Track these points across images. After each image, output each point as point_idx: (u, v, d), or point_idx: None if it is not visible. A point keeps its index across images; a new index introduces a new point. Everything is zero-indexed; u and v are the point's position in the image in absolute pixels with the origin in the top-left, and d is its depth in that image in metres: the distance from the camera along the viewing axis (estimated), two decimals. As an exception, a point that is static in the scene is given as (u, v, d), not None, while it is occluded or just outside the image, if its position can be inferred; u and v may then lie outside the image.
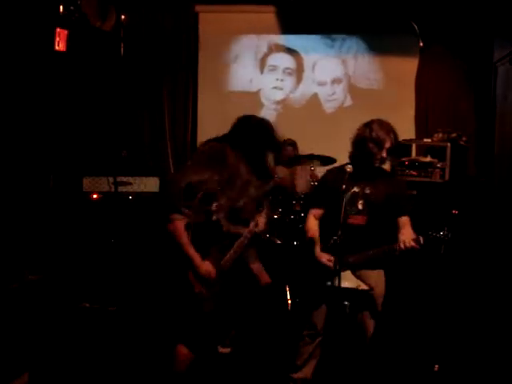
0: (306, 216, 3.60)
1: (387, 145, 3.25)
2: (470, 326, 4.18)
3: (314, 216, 3.48)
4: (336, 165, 4.12)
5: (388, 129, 3.27)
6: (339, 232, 3.05)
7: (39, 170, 4.91)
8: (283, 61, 6.38)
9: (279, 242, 4.92)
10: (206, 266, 3.27)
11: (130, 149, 5.86)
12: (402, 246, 3.16)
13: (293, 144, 5.66)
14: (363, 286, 3.21)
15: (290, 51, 6.35)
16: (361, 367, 3.41)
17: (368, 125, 3.32)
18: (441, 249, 4.56)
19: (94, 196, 5.26)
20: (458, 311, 4.36)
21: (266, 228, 3.46)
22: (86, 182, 5.30)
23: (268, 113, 6.40)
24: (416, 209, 4.77)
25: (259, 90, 6.45)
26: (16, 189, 4.61)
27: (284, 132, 5.88)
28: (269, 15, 6.20)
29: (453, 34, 5.70)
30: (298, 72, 6.36)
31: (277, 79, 6.40)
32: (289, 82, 6.38)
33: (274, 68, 6.41)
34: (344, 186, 3.14)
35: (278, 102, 6.42)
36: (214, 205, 3.33)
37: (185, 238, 3.26)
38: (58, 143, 5.07)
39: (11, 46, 4.45)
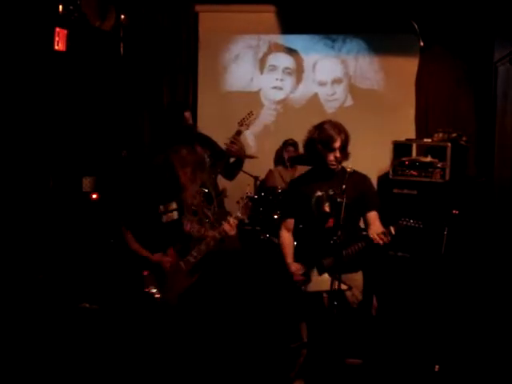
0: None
1: (337, 144, 3.22)
2: (471, 326, 4.18)
3: (287, 229, 3.46)
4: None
5: (339, 129, 3.25)
6: (339, 232, 3.04)
7: (39, 170, 4.90)
8: (283, 61, 6.36)
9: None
10: (158, 257, 3.57)
11: (129, 149, 5.86)
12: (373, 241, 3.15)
13: (294, 144, 5.64)
14: (343, 287, 3.18)
15: (290, 51, 6.33)
16: (361, 367, 3.41)
17: (318, 126, 3.31)
18: (441, 249, 4.58)
19: (94, 196, 5.25)
20: (458, 311, 4.36)
21: (236, 232, 3.56)
22: (86, 182, 5.29)
23: (268, 113, 6.40)
24: (416, 209, 4.81)
25: (259, 90, 6.44)
26: (16, 189, 4.60)
27: (284, 132, 5.94)
28: (269, 15, 6.19)
29: (453, 33, 5.69)
30: (298, 72, 6.34)
31: (276, 79, 6.39)
32: (289, 81, 6.37)
33: (273, 68, 6.40)
34: (344, 186, 3.13)
35: (277, 102, 6.41)
36: (161, 207, 3.52)
37: (134, 243, 3.61)
38: (57, 143, 5.06)
39: (11, 45, 4.44)
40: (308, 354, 3.40)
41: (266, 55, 6.39)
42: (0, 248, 4.34)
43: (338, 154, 3.23)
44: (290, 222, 3.46)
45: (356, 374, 3.40)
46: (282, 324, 4.13)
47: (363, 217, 3.35)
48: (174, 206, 3.70)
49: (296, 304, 3.42)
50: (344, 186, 3.13)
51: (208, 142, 4.43)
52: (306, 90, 6.33)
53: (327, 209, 3.26)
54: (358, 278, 3.36)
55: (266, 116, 6.40)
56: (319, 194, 3.29)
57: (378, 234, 3.14)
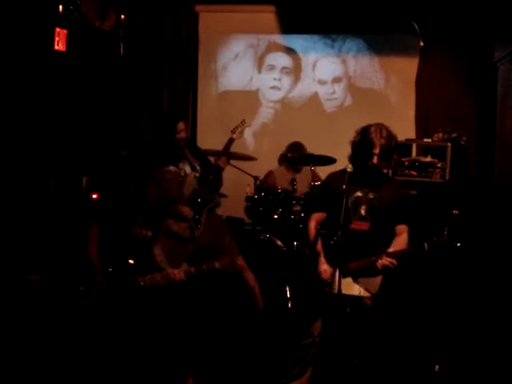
0: (306, 216, 3.56)
1: (376, 150, 3.16)
2: (471, 326, 4.18)
3: (317, 221, 3.42)
4: (337, 167, 4.08)
5: (381, 134, 3.17)
6: (339, 233, 3.03)
7: (39, 170, 4.90)
8: (283, 60, 6.36)
9: (279, 242, 4.92)
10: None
11: (129, 149, 5.85)
12: (379, 263, 3.16)
13: (298, 146, 5.59)
14: (365, 294, 3.21)
15: (290, 51, 6.33)
16: (361, 367, 3.41)
17: (363, 128, 3.25)
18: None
19: (94, 196, 5.24)
20: (458, 311, 4.36)
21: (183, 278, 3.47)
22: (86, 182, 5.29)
23: (267, 112, 6.40)
24: (416, 209, 4.81)
25: (258, 90, 6.44)
26: (16, 189, 4.60)
27: (283, 131, 5.94)
28: (269, 15, 6.19)
29: (453, 33, 5.68)
30: (298, 71, 6.34)
31: (274, 78, 6.38)
32: (288, 81, 6.37)
33: (273, 67, 6.40)
34: (344, 186, 3.11)
35: (277, 102, 6.41)
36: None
37: (93, 247, 3.56)
38: (57, 143, 5.06)
39: (11, 45, 4.44)
40: (317, 352, 3.40)
41: (265, 55, 6.39)
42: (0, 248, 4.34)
43: (375, 160, 3.17)
44: (321, 215, 3.41)
45: (356, 374, 3.40)
46: (294, 320, 4.14)
47: (394, 227, 3.32)
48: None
49: (310, 301, 3.40)
50: (344, 187, 3.10)
51: (198, 153, 4.44)
52: (305, 89, 6.32)
53: (363, 212, 3.24)
54: (376, 281, 3.34)
55: (265, 115, 6.40)
56: (359, 194, 3.25)
57: (382, 259, 3.16)
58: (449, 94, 5.82)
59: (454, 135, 5.20)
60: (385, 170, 3.45)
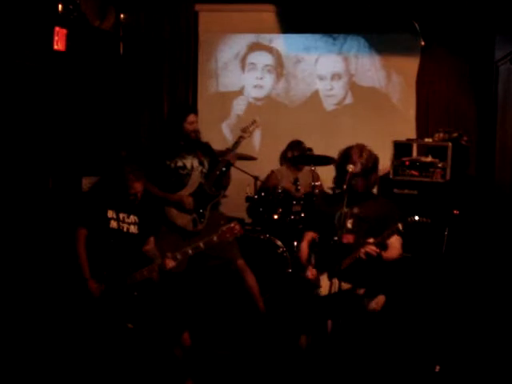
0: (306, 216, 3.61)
1: (352, 169, 3.22)
2: (471, 326, 4.17)
3: (309, 241, 3.54)
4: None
5: (360, 154, 3.27)
6: (339, 233, 3.05)
7: (39, 170, 4.90)
8: (283, 59, 6.35)
9: (279, 242, 4.91)
10: (92, 285, 3.45)
11: (129, 149, 5.85)
12: (362, 251, 3.19)
13: (298, 144, 5.59)
14: (359, 290, 3.21)
15: (290, 50, 6.32)
16: (361, 367, 3.41)
17: (345, 149, 3.36)
18: (442, 248, 4.58)
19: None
20: (458, 311, 4.35)
21: (174, 266, 3.49)
22: (86, 182, 5.28)
23: (268, 110, 6.39)
24: (417, 209, 4.81)
25: (258, 89, 6.43)
26: (16, 189, 4.60)
27: (283, 130, 5.92)
28: (269, 14, 6.18)
29: (454, 33, 5.69)
30: (298, 70, 6.32)
31: (268, 77, 6.37)
32: (289, 79, 6.35)
33: (270, 66, 6.39)
34: (345, 186, 3.13)
35: (277, 100, 6.39)
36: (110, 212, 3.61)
37: (82, 251, 3.56)
38: (57, 143, 5.05)
39: (10, 45, 4.43)
40: (313, 354, 3.41)
41: (266, 54, 6.37)
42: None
43: (353, 181, 3.25)
44: (312, 234, 3.55)
45: (356, 374, 3.40)
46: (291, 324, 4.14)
47: None
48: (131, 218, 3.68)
49: (301, 309, 3.42)
50: (345, 186, 3.12)
51: (209, 150, 4.44)
52: (306, 87, 6.30)
53: (349, 225, 3.30)
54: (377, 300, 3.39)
55: (267, 114, 6.39)
56: (345, 210, 3.26)
57: (364, 247, 3.19)
58: (449, 93, 5.82)
59: (455, 135, 5.19)
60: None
